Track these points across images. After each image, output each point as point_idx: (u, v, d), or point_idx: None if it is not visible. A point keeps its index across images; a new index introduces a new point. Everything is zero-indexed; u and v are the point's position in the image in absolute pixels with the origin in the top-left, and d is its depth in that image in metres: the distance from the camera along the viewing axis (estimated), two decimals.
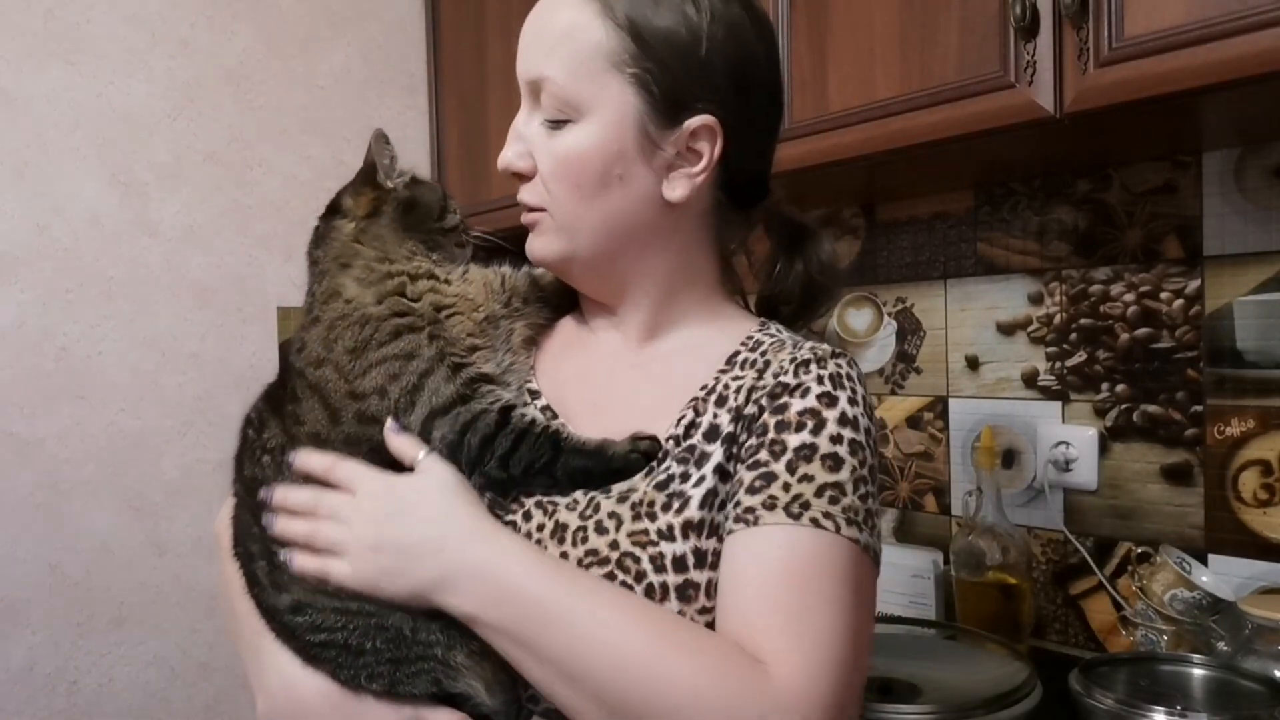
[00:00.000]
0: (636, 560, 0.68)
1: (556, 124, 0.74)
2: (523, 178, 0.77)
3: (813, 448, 0.68)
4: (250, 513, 0.73)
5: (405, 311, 0.73)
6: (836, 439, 0.69)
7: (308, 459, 0.72)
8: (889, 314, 1.67)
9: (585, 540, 0.69)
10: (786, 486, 0.67)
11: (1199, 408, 1.28)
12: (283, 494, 0.72)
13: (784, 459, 0.68)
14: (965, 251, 1.55)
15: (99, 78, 1.73)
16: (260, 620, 0.71)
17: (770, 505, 0.66)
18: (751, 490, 0.68)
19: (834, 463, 0.68)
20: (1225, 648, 1.15)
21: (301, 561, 0.69)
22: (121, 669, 1.75)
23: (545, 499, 0.73)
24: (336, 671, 0.66)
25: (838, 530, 0.66)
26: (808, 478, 0.67)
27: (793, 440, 0.69)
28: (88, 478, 1.72)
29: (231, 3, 1.87)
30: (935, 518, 1.60)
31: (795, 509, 0.66)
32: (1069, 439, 1.41)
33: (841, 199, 1.68)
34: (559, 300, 0.87)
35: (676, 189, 0.74)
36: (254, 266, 1.89)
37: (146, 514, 1.78)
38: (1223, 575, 1.23)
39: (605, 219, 0.74)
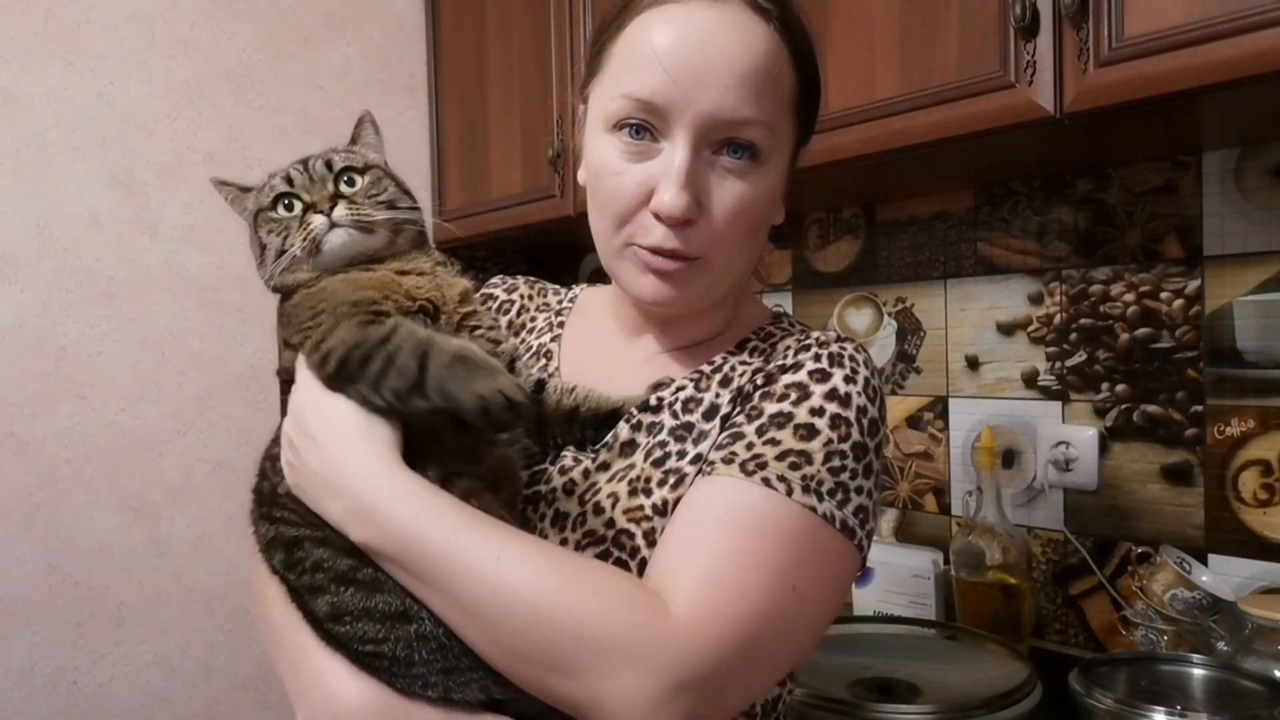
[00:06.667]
0: (631, 536, 0.69)
1: (751, 165, 0.70)
2: (687, 223, 0.70)
3: (788, 416, 0.68)
4: (274, 523, 0.72)
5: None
6: (817, 411, 0.68)
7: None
8: (889, 314, 1.67)
9: (584, 524, 0.71)
10: (750, 446, 0.67)
11: (1199, 408, 1.28)
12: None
13: (756, 422, 0.68)
14: (965, 251, 1.55)
15: (99, 78, 1.73)
16: (302, 629, 0.67)
17: (729, 460, 0.66)
18: (718, 447, 0.69)
19: (807, 432, 0.67)
20: (1225, 648, 1.15)
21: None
22: (121, 669, 1.75)
23: (545, 487, 0.75)
24: (393, 681, 0.64)
25: (789, 493, 0.64)
26: (774, 441, 0.67)
27: (770, 408, 0.69)
28: (88, 478, 1.72)
29: (231, 3, 1.87)
30: (935, 518, 1.60)
31: (751, 466, 0.65)
32: (1069, 439, 1.41)
33: (841, 199, 1.68)
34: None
35: (779, 214, 0.77)
36: (254, 266, 1.89)
37: (146, 514, 1.78)
38: (1223, 575, 1.23)
39: (751, 258, 0.76)
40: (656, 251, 0.70)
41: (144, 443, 1.78)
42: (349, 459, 0.64)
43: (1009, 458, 1.49)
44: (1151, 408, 1.33)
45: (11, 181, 1.66)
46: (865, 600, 1.50)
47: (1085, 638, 1.40)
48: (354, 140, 0.82)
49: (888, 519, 1.65)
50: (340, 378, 0.67)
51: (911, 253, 1.63)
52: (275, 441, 0.74)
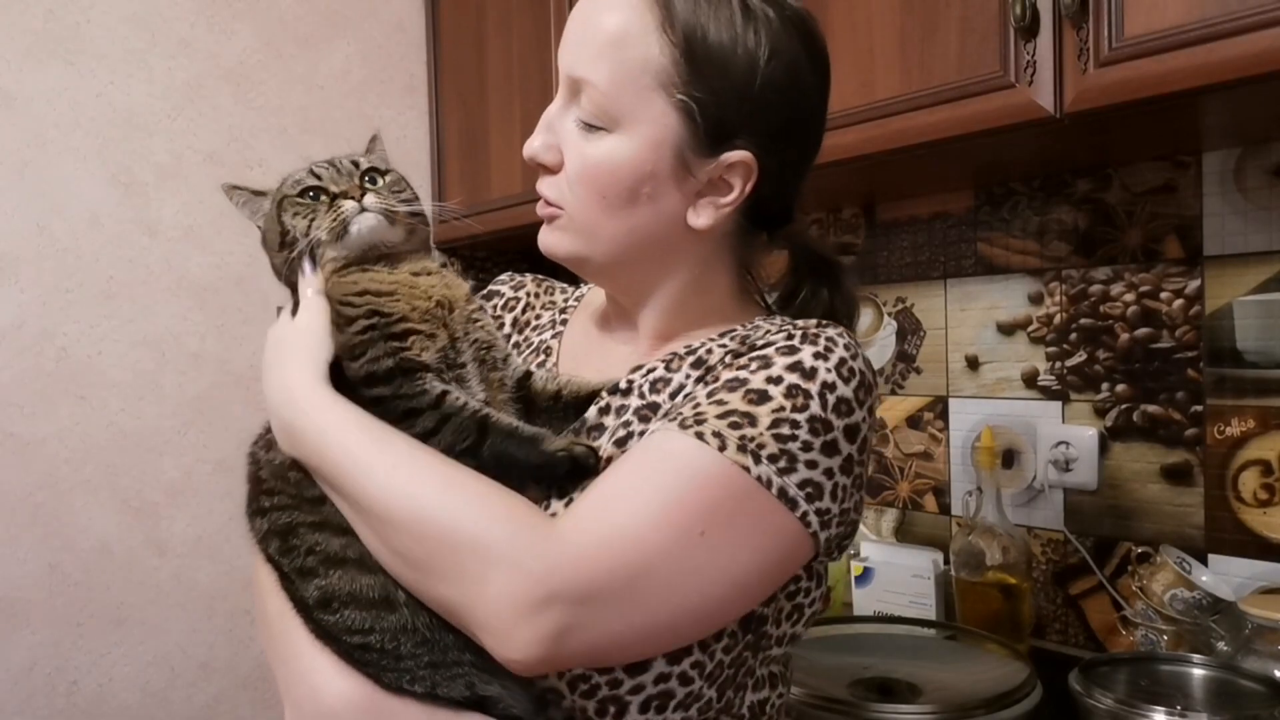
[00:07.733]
0: None
1: (591, 128, 0.72)
2: (546, 169, 0.75)
3: (742, 381, 0.66)
4: (265, 514, 0.73)
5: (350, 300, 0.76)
6: (774, 380, 0.65)
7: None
8: (889, 314, 1.67)
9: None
10: (695, 406, 0.65)
11: (1199, 408, 1.28)
12: None
13: (709, 388, 0.67)
14: (965, 251, 1.55)
15: (99, 78, 1.73)
16: (294, 622, 0.67)
17: (672, 419, 0.66)
18: (667, 414, 0.69)
19: (757, 397, 0.64)
20: (1225, 648, 1.15)
21: None
22: (121, 669, 1.75)
23: None
24: (380, 675, 0.65)
25: (721, 449, 0.62)
26: (720, 403, 0.65)
27: (726, 375, 0.67)
28: (88, 478, 1.72)
29: (231, 3, 1.87)
30: (935, 518, 1.60)
31: (689, 422, 0.64)
32: (1069, 439, 1.41)
33: (841, 199, 1.68)
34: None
35: (701, 217, 0.73)
36: (254, 266, 1.89)
37: (146, 514, 1.77)
38: (1223, 575, 1.23)
39: (626, 232, 0.73)
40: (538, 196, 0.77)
41: (144, 443, 1.78)
42: (281, 383, 0.70)
43: (1009, 458, 1.49)
44: (1151, 408, 1.33)
45: (11, 181, 1.66)
46: (865, 600, 1.50)
47: (1085, 638, 1.40)
48: (369, 151, 0.86)
49: (888, 519, 1.65)
50: (377, 402, 0.70)
51: (911, 253, 1.63)
52: (259, 437, 0.77)
